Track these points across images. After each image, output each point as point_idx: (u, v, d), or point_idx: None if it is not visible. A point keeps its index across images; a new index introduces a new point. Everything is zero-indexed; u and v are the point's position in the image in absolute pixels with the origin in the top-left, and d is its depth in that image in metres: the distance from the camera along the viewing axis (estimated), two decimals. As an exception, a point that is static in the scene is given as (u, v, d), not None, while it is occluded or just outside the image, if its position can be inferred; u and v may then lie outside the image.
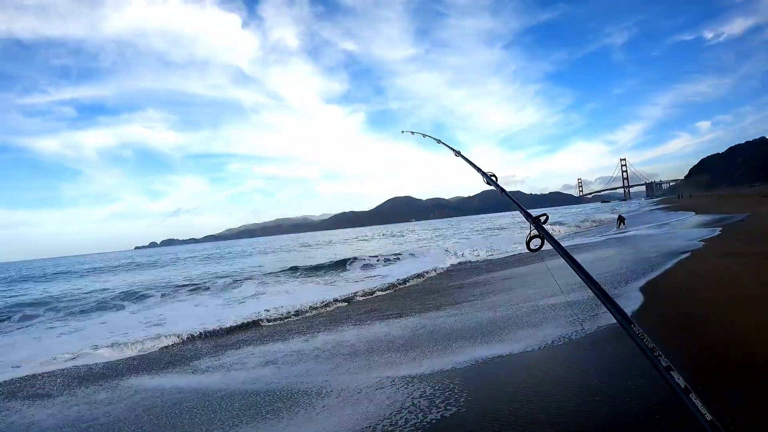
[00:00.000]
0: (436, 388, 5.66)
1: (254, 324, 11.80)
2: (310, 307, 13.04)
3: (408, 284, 16.51)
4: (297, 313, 12.58)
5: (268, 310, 12.72)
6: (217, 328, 11.44)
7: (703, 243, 15.58)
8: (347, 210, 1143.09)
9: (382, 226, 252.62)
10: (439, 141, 5.25)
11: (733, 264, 10.79)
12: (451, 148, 4.61)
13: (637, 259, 13.68)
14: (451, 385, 5.66)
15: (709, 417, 1.45)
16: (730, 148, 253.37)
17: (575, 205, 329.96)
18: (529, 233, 2.54)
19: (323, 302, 13.46)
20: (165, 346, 10.35)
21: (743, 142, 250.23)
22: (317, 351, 8.46)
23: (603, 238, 25.38)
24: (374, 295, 14.66)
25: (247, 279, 23.13)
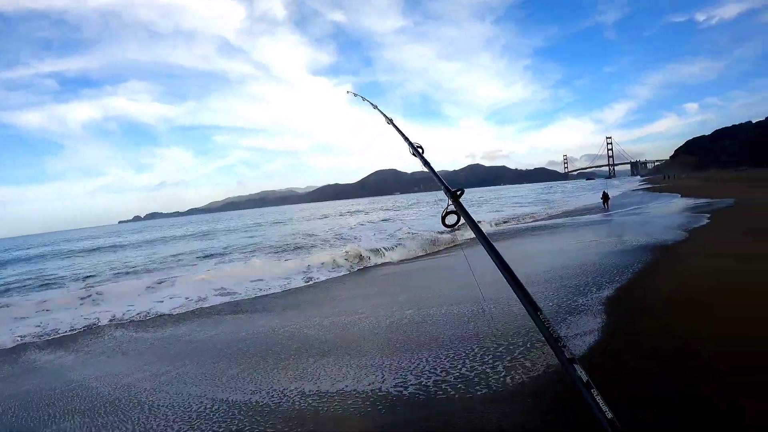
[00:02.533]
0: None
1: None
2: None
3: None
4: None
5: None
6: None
7: (687, 234, 14.08)
8: (332, 182, 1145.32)
9: (366, 199, 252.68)
10: (375, 106, 4.90)
11: (736, 269, 8.83)
12: (384, 115, 4.41)
13: (611, 252, 11.89)
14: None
15: (609, 415, 1.38)
16: (717, 131, 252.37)
17: (560, 182, 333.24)
18: (446, 208, 2.32)
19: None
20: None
21: (730, 125, 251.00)
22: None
23: (580, 222, 23.94)
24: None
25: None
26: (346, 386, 5.27)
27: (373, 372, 5.60)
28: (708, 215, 19.10)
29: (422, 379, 5.19)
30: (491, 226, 27.01)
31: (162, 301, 12.29)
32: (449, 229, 2.36)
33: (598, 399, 1.41)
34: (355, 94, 5.89)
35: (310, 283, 13.46)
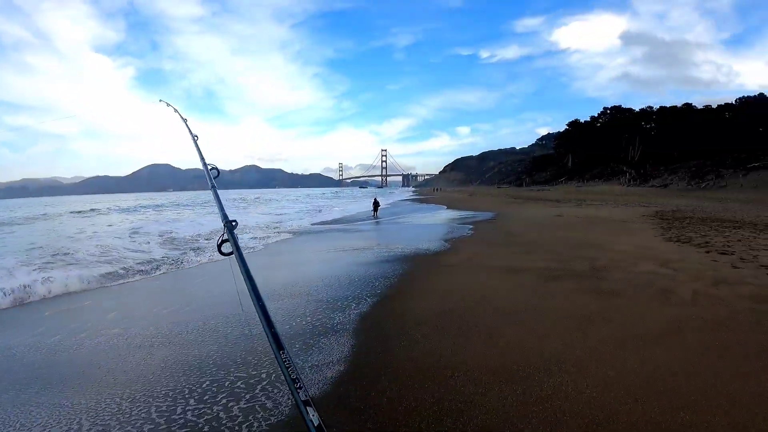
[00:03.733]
0: None
1: None
2: None
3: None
4: None
5: None
6: None
7: (450, 245, 14.53)
8: (102, 174, 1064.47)
9: (140, 194, 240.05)
10: (185, 121, 4.91)
11: (498, 281, 8.92)
12: (191, 133, 4.49)
13: (374, 262, 11.65)
14: None
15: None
16: (484, 153, 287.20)
17: (334, 188, 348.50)
18: (221, 236, 2.47)
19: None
20: None
21: (497, 149, 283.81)
22: None
23: (348, 229, 23.95)
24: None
25: None
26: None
27: (69, 416, 4.17)
28: (471, 226, 20.60)
29: (131, 428, 3.91)
30: (262, 231, 25.72)
31: None
32: (223, 256, 2.41)
33: None
34: (168, 104, 5.75)
35: (36, 299, 10.67)
